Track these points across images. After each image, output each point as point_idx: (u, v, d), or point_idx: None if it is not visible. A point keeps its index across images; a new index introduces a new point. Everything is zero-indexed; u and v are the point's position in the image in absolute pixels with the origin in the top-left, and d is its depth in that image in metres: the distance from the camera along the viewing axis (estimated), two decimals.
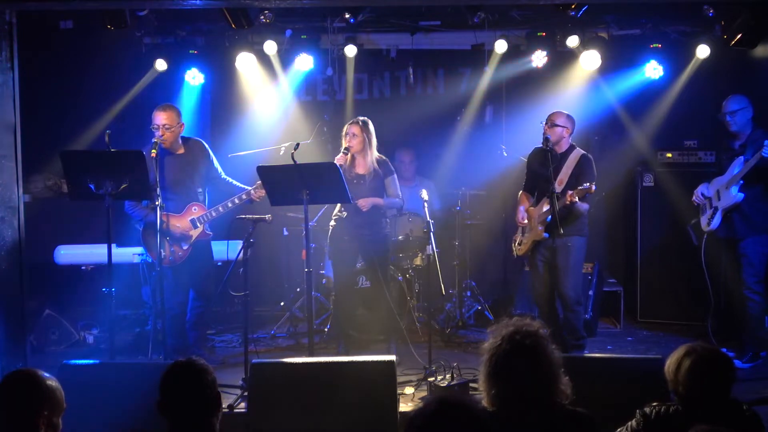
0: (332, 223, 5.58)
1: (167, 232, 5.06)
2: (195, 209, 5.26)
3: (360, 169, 5.46)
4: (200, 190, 5.36)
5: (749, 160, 5.06)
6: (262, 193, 5.14)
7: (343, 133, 5.46)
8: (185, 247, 5.19)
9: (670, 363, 2.68)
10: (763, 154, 4.88)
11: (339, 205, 5.49)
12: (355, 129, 5.40)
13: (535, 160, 5.43)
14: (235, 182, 5.46)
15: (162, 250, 4.96)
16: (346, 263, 5.65)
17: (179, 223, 5.18)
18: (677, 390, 2.64)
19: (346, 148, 5.37)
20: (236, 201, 5.24)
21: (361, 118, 5.49)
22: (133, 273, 6.25)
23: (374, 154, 5.50)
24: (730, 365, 2.63)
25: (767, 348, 5.28)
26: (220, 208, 5.25)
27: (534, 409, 2.44)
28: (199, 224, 5.24)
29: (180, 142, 5.28)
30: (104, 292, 5.78)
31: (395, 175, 5.61)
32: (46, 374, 2.53)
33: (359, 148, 5.42)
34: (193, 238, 5.23)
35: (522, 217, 5.39)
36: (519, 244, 5.49)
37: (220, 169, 5.48)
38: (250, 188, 5.23)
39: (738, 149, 5.23)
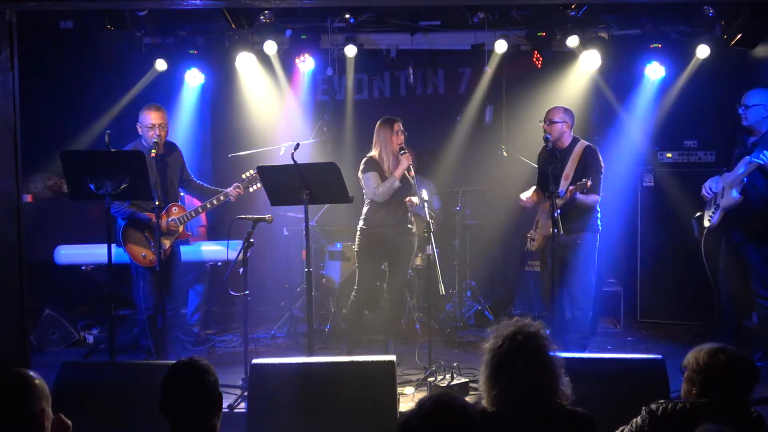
0: (363, 225, 5.38)
1: (152, 231, 5.09)
2: (175, 209, 5.29)
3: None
4: (178, 191, 5.44)
5: (751, 163, 4.95)
6: (241, 191, 5.19)
7: (391, 131, 5.25)
8: (165, 248, 5.21)
9: (700, 355, 2.62)
10: (752, 159, 4.80)
11: (369, 204, 5.35)
12: (402, 126, 5.30)
13: (542, 158, 5.44)
14: (207, 186, 5.54)
15: (150, 250, 5.10)
16: (375, 263, 5.48)
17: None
18: (706, 380, 2.58)
19: (402, 148, 5.22)
20: (214, 202, 5.28)
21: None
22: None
23: None
24: (758, 370, 2.64)
25: None
26: (200, 209, 5.31)
27: (534, 410, 2.44)
28: (179, 223, 5.27)
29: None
30: (104, 292, 5.78)
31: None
32: (32, 372, 2.53)
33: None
34: (174, 237, 5.26)
35: (525, 200, 5.42)
36: (532, 240, 5.52)
37: (189, 173, 5.55)
38: (227, 189, 5.25)
39: (750, 147, 5.10)
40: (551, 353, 2.51)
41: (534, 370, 2.44)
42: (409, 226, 5.42)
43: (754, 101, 5.09)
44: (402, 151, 5.21)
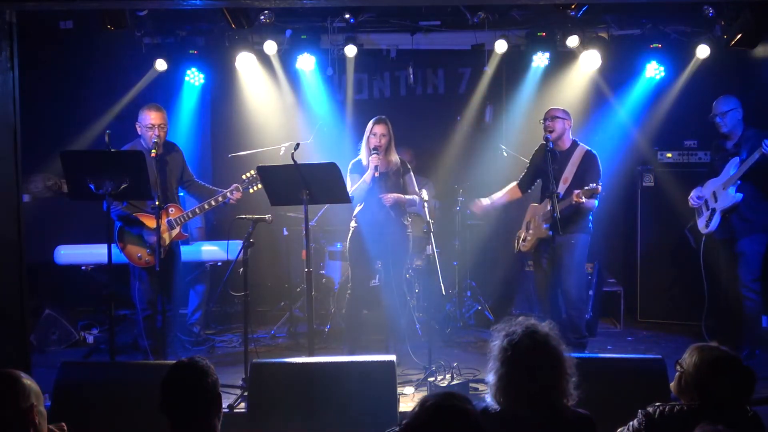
0: (353, 224, 5.45)
1: (148, 233, 5.08)
2: (172, 210, 5.26)
3: (382, 167, 5.32)
4: (177, 191, 5.41)
5: (746, 160, 5.05)
6: (239, 195, 5.17)
7: (369, 133, 5.32)
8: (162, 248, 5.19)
9: (699, 363, 2.60)
10: (764, 150, 4.86)
11: (360, 204, 5.38)
12: (383, 128, 5.31)
13: (539, 157, 5.42)
14: (208, 186, 5.52)
15: (145, 251, 5.08)
16: (367, 262, 5.47)
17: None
18: (703, 389, 2.57)
19: (375, 149, 5.24)
20: (212, 203, 5.24)
21: (383, 116, 5.39)
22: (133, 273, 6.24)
23: (394, 151, 5.44)
24: (754, 375, 2.61)
25: (762, 346, 5.31)
26: (197, 210, 5.27)
27: (542, 409, 2.44)
28: (176, 225, 5.25)
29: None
30: (104, 292, 5.77)
31: (412, 173, 5.55)
32: (21, 373, 2.54)
33: (386, 146, 5.33)
34: (170, 238, 5.23)
35: (477, 207, 5.56)
36: (523, 241, 5.50)
37: (191, 173, 5.53)
38: (226, 191, 5.23)
39: (732, 149, 5.23)
40: (565, 353, 2.51)
41: (552, 368, 2.44)
42: (402, 223, 5.43)
43: (730, 106, 5.21)
44: (373, 152, 5.23)
